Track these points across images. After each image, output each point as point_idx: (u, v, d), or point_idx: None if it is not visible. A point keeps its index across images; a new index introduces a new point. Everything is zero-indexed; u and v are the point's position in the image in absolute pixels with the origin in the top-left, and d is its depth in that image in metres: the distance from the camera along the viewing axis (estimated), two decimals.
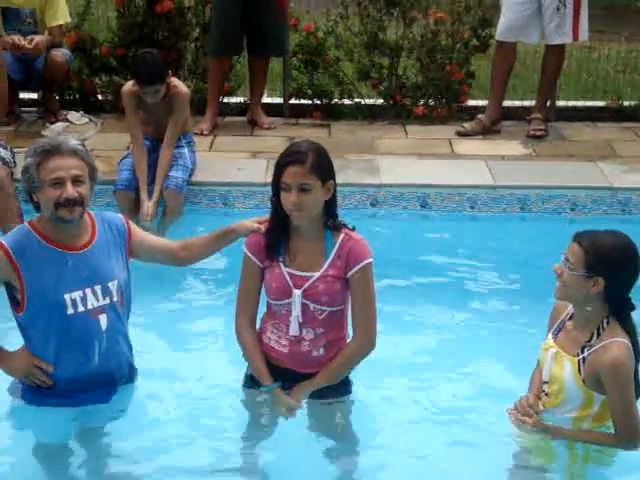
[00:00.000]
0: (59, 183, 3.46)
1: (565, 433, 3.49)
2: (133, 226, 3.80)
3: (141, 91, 5.67)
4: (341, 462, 3.71)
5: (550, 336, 3.55)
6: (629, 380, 3.34)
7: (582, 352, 3.40)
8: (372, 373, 3.94)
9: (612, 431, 3.44)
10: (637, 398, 3.41)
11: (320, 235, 3.55)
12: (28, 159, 3.47)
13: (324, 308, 3.54)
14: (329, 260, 3.52)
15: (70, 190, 3.46)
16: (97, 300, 3.59)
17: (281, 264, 3.55)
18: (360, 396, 3.82)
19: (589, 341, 3.40)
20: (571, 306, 3.52)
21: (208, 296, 5.13)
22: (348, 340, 3.65)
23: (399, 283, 5.20)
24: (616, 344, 3.34)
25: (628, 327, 3.40)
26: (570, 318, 3.52)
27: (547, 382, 3.51)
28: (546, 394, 3.52)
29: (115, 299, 3.64)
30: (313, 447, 3.69)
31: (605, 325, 3.40)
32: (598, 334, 3.39)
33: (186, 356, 4.43)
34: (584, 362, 3.39)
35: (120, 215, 3.86)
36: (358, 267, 3.52)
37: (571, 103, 7.61)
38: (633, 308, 3.43)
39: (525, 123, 7.06)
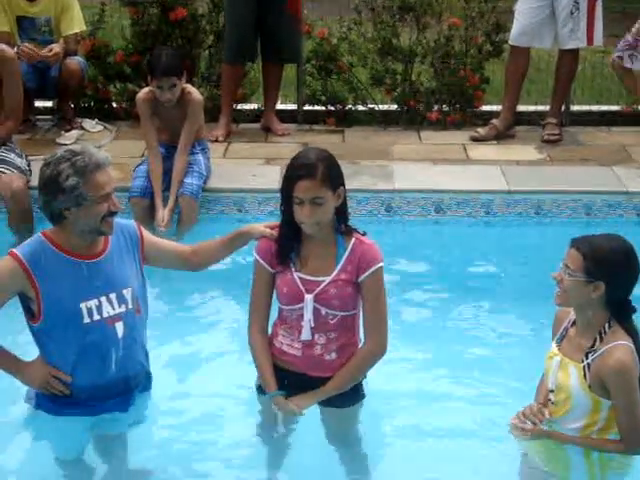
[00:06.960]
0: (107, 197, 3.51)
1: (567, 438, 3.46)
2: (146, 232, 3.81)
3: (157, 85, 5.64)
4: (352, 469, 3.71)
5: (554, 344, 3.53)
6: (634, 383, 3.32)
7: (586, 358, 3.38)
8: (384, 380, 3.94)
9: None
10: None
11: (331, 240, 3.55)
12: (71, 178, 3.42)
13: (336, 312, 3.54)
14: (340, 264, 3.52)
15: (118, 203, 3.55)
16: (113, 308, 3.60)
17: (292, 269, 3.55)
18: (372, 403, 3.81)
19: (592, 346, 3.38)
20: (573, 313, 3.49)
21: (224, 300, 5.12)
22: (360, 345, 3.65)
23: (412, 288, 5.19)
24: (620, 347, 3.33)
25: (630, 330, 3.38)
26: (573, 325, 3.50)
27: (553, 390, 3.47)
28: (552, 403, 3.48)
29: (131, 306, 3.64)
30: (324, 454, 3.69)
31: (607, 329, 3.38)
32: (601, 339, 3.37)
33: (201, 362, 4.43)
34: (589, 368, 3.37)
35: (132, 221, 3.86)
36: (369, 272, 3.52)
37: (585, 108, 7.58)
38: (634, 310, 3.43)
39: (539, 128, 7.03)
